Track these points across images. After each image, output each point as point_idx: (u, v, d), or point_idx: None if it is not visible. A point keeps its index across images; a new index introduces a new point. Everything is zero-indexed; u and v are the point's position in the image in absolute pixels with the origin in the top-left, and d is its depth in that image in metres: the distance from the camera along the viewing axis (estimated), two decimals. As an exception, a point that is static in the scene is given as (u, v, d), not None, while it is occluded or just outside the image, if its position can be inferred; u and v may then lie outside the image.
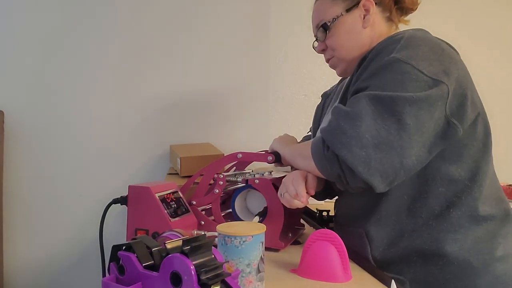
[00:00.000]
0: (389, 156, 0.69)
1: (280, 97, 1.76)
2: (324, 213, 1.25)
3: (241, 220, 0.96)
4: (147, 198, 0.85)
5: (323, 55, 0.98)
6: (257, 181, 0.90)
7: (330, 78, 1.80)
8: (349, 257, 0.73)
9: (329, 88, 1.16)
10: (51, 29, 1.59)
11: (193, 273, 0.45)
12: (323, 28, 0.91)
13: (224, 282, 0.48)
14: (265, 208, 0.92)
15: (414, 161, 0.71)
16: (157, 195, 0.86)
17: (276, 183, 0.91)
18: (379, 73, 0.75)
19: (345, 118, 0.71)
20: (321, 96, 1.14)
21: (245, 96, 1.70)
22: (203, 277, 0.46)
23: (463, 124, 0.75)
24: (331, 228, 0.92)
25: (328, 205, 1.43)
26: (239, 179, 0.96)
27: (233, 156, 0.95)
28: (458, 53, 0.83)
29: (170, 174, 1.47)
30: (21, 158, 1.57)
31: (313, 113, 1.14)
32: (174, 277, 0.47)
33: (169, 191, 0.91)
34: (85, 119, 1.61)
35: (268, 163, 0.95)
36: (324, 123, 0.79)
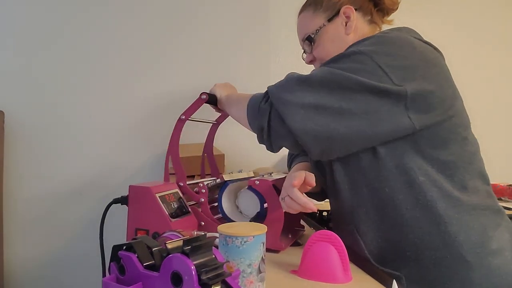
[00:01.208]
0: (326, 120, 0.72)
1: (280, 98, 1.76)
2: (324, 213, 1.26)
3: (232, 221, 0.95)
4: (148, 198, 0.86)
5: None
6: (257, 182, 0.90)
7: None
8: (349, 258, 0.73)
9: None
10: (51, 29, 1.59)
11: (193, 273, 0.46)
12: (308, 41, 0.95)
13: (224, 282, 0.48)
14: (258, 214, 0.92)
15: (353, 134, 0.74)
16: (157, 195, 0.86)
17: (276, 185, 0.91)
18: (339, 59, 0.78)
19: (295, 79, 0.76)
20: None
21: (245, 96, 1.70)
22: (203, 277, 0.46)
23: (421, 122, 0.75)
24: (331, 228, 0.93)
25: (328, 205, 1.43)
26: (218, 180, 0.97)
27: (180, 122, 1.00)
28: (439, 53, 0.84)
29: (170, 174, 1.47)
30: (21, 158, 1.57)
31: None
32: (175, 277, 0.47)
33: (169, 191, 0.92)
34: (85, 119, 1.61)
35: (204, 103, 1.00)
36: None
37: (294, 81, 0.76)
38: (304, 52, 1.01)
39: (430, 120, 0.76)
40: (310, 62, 1.00)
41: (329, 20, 0.92)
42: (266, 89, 0.81)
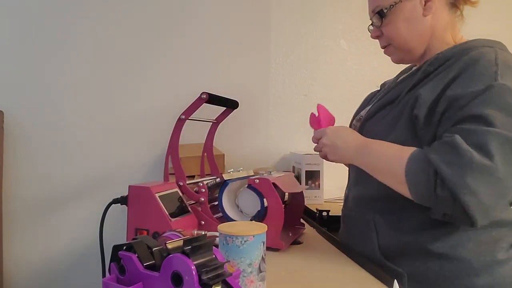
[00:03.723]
0: (505, 202, 0.69)
1: (280, 97, 1.76)
2: (324, 213, 1.25)
3: (232, 220, 0.95)
4: (148, 198, 0.85)
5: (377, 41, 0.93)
6: (257, 180, 0.90)
7: (330, 78, 1.81)
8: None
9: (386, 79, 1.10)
10: (51, 29, 1.59)
11: (194, 273, 0.45)
12: (379, 15, 0.86)
13: (225, 282, 0.48)
14: (258, 212, 0.92)
15: None
16: (157, 195, 0.86)
17: (276, 183, 0.91)
18: (493, 101, 0.69)
19: (478, 162, 0.65)
20: (380, 85, 1.10)
21: (245, 96, 1.70)
22: (204, 277, 0.46)
23: None
24: (332, 228, 0.93)
25: (328, 205, 1.44)
26: (218, 180, 0.97)
27: (179, 121, 0.99)
28: None
29: (170, 174, 1.47)
30: (21, 158, 1.56)
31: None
32: (175, 277, 0.47)
33: (169, 191, 0.92)
34: (85, 119, 1.61)
35: (204, 102, 0.97)
36: (437, 153, 0.69)
37: (476, 164, 0.64)
38: (372, 24, 0.90)
39: None
40: (376, 37, 0.91)
41: None
42: (429, 158, 0.68)
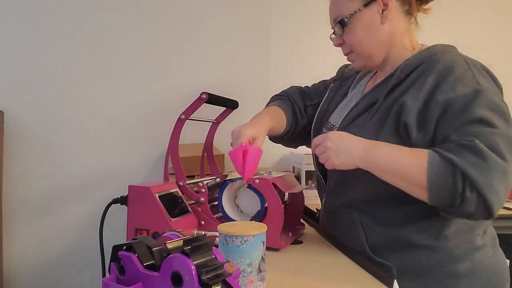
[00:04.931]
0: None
1: (280, 97, 1.76)
2: (324, 213, 1.25)
3: (232, 220, 0.95)
4: (147, 198, 0.86)
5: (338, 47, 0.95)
6: (257, 180, 0.90)
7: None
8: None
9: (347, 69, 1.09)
10: (52, 29, 1.59)
11: (194, 273, 0.45)
12: (340, 24, 0.89)
13: (225, 282, 0.48)
14: (258, 212, 0.92)
15: None
16: (157, 195, 0.86)
17: (276, 183, 0.91)
18: (486, 104, 0.74)
19: (498, 163, 0.69)
20: (337, 72, 1.10)
21: (245, 96, 1.70)
22: (204, 277, 0.46)
23: None
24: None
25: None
26: (218, 180, 0.97)
27: (179, 121, 0.98)
28: None
29: (170, 174, 1.47)
30: (21, 158, 1.56)
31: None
32: (175, 277, 0.47)
33: (169, 191, 0.92)
34: (85, 119, 1.61)
35: (204, 102, 0.96)
36: (461, 157, 0.70)
37: (497, 166, 0.69)
38: (334, 33, 0.93)
39: None
40: (339, 45, 0.93)
41: (366, 5, 0.86)
42: (455, 162, 0.70)
